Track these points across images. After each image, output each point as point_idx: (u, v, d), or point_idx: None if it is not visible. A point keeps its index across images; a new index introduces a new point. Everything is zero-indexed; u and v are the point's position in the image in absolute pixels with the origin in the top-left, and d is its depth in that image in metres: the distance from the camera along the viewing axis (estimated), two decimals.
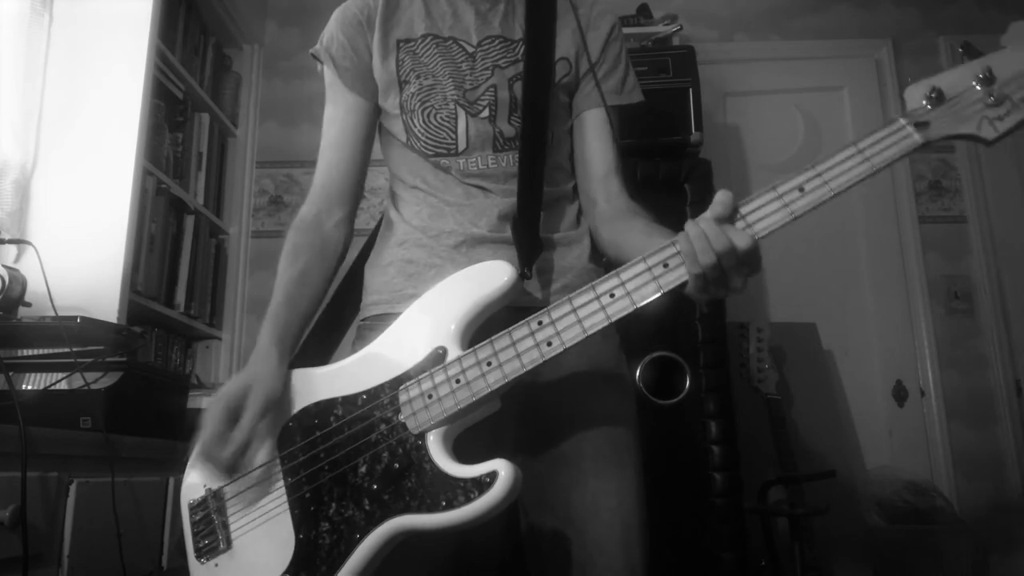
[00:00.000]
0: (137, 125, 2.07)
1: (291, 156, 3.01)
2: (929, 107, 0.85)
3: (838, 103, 3.10)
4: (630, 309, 0.89)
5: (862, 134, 0.85)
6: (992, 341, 2.85)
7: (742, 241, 0.84)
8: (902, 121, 0.85)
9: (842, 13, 3.16)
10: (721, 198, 0.86)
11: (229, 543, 1.03)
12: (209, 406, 1.01)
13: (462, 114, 1.13)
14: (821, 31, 3.14)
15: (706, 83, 2.46)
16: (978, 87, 0.84)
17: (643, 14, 2.66)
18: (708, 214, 0.86)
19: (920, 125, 0.84)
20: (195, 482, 1.07)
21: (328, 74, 1.22)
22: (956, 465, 2.75)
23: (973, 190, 2.97)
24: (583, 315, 0.90)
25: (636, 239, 1.04)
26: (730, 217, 0.86)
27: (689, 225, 0.87)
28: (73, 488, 1.33)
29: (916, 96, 0.86)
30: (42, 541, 1.24)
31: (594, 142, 1.19)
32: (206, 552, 1.04)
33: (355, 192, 1.21)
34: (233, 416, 0.99)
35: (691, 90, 2.36)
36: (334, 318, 1.26)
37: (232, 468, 1.01)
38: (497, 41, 1.17)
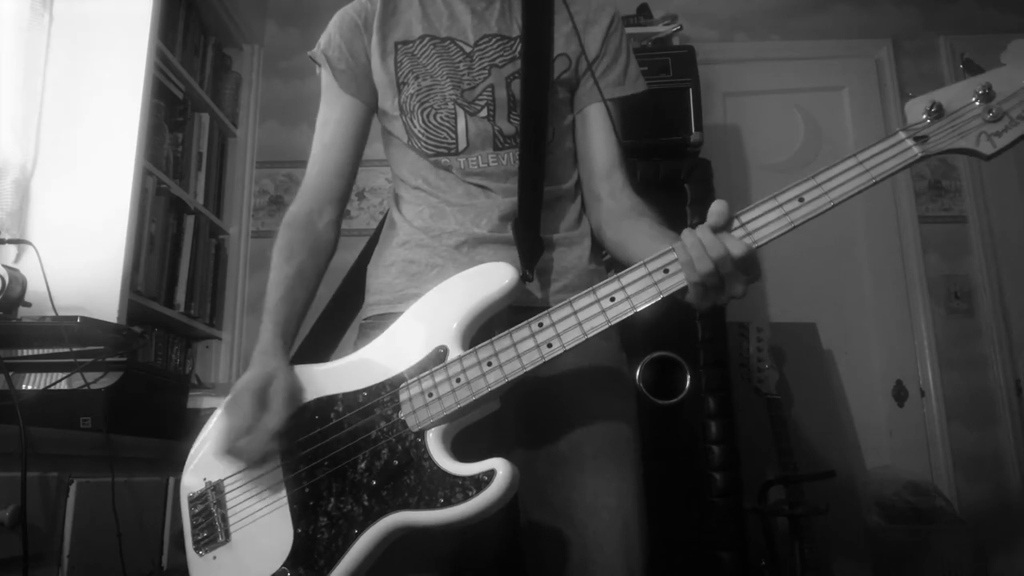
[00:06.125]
0: (137, 125, 2.07)
1: (291, 156, 3.01)
2: (929, 121, 0.86)
3: (838, 103, 3.10)
4: (629, 313, 0.90)
5: (862, 143, 0.86)
6: (992, 341, 2.85)
7: (738, 248, 0.86)
8: (902, 134, 0.86)
9: (842, 13, 3.16)
10: (716, 208, 0.88)
11: (228, 536, 1.03)
12: (234, 399, 1.00)
13: (461, 113, 1.13)
14: (821, 31, 3.14)
15: (706, 83, 2.46)
16: (977, 103, 0.85)
17: (643, 14, 2.66)
18: (705, 223, 0.88)
19: (920, 139, 0.86)
20: (195, 475, 1.08)
21: (325, 76, 1.23)
22: (956, 465, 2.75)
23: (973, 190, 2.97)
24: (583, 318, 0.91)
25: (641, 242, 1.05)
26: (726, 226, 0.87)
27: (686, 234, 0.88)
28: (73, 488, 1.33)
29: (916, 110, 0.87)
30: (42, 541, 1.24)
31: (597, 137, 1.20)
32: (205, 544, 1.04)
33: (346, 194, 1.23)
34: (261, 407, 0.99)
35: (691, 90, 2.36)
36: (335, 317, 1.27)
37: (260, 459, 1.00)
38: (494, 40, 1.17)
